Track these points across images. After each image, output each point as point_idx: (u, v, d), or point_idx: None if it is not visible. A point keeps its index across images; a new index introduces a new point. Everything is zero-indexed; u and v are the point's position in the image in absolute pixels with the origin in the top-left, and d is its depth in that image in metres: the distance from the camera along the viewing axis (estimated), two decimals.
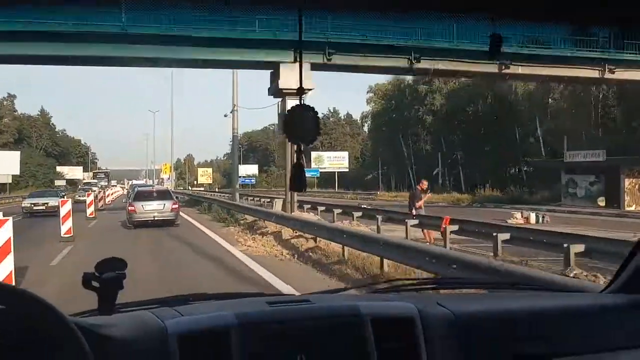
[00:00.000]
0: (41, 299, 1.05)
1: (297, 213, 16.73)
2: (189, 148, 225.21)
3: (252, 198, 33.30)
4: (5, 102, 77.14)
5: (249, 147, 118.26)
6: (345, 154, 70.32)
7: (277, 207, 19.58)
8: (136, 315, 1.38)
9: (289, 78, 17.30)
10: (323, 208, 20.56)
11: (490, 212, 25.60)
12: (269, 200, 27.40)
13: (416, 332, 1.37)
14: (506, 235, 10.01)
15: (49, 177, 75.28)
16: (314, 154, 68.91)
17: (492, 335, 1.43)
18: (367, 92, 65.85)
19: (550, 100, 47.11)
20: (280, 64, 17.77)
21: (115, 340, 1.19)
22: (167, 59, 18.57)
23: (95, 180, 79.48)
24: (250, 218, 18.38)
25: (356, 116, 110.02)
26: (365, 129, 77.71)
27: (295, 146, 1.47)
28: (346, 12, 1.54)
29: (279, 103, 19.53)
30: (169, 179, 69.70)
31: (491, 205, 34.62)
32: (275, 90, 18.96)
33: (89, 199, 25.35)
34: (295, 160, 1.49)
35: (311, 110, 1.41)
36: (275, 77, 18.45)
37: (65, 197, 22.80)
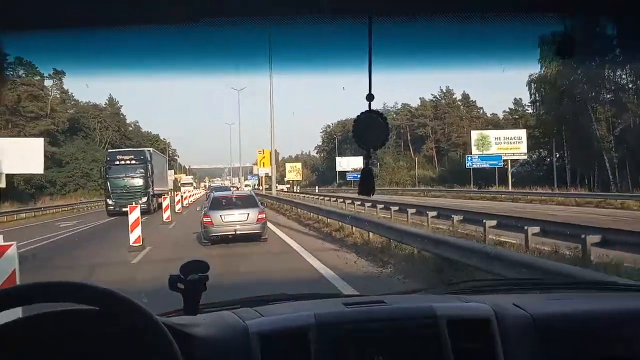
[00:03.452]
0: (132, 300, 1.11)
1: None
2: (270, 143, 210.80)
3: None
4: (52, 81, 60.51)
5: (343, 138, 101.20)
6: (523, 132, 49.05)
7: None
8: (219, 315, 1.44)
9: None
10: None
11: None
12: None
13: (492, 333, 1.35)
14: None
15: None
16: (474, 134, 48.79)
17: (571, 338, 1.39)
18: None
19: None
20: None
21: (200, 339, 1.25)
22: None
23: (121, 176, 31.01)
24: None
25: (474, 97, 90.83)
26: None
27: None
28: (418, 16, 1.43)
29: None
30: (267, 175, 47.15)
31: None
32: None
33: None
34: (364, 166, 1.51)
35: (380, 115, 1.43)
36: None
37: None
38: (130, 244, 13.41)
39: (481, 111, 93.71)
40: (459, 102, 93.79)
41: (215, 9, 1.31)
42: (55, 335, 1.15)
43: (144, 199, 28.10)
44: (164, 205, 22.14)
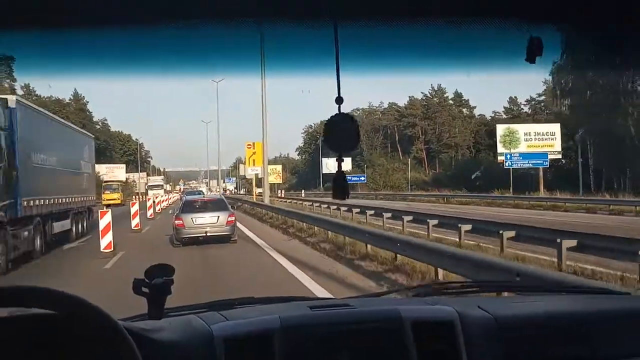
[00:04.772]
0: (93, 304, 1.09)
1: None
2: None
3: None
4: None
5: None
6: (556, 127, 43.05)
7: None
8: (184, 319, 1.42)
9: None
10: None
11: None
12: None
13: (456, 335, 1.36)
14: None
15: None
16: (500, 129, 42.62)
17: (534, 339, 1.40)
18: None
19: None
20: None
21: (164, 343, 1.23)
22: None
23: None
24: None
25: (467, 95, 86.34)
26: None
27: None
28: (383, 22, 1.48)
29: None
30: (257, 175, 34.53)
31: None
32: None
33: None
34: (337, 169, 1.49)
35: (350, 118, 1.43)
36: None
37: None
38: None
39: (474, 110, 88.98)
40: (450, 101, 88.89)
41: (187, 10, 1.31)
42: (14, 340, 1.13)
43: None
44: (102, 226, 14.13)
